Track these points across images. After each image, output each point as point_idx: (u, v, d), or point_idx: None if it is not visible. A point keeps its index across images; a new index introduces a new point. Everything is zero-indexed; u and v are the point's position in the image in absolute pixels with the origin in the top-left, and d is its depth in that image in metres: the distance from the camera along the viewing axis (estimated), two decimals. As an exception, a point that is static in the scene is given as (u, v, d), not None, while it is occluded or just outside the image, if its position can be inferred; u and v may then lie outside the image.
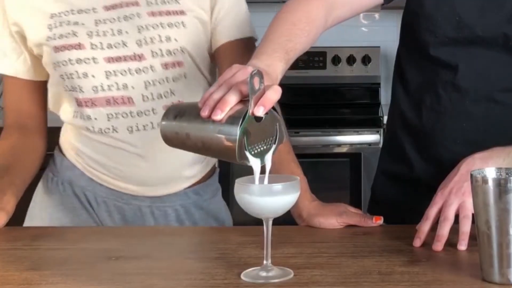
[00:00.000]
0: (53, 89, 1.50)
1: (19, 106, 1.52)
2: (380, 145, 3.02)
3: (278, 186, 1.02)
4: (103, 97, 1.39)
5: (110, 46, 1.38)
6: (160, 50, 1.39)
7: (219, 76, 1.31)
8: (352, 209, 1.34)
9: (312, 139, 3.07)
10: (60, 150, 1.56)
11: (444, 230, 1.16)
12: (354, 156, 3.06)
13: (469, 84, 1.35)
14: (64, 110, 1.49)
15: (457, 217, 1.18)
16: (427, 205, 1.24)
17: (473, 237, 1.07)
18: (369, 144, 3.04)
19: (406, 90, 1.45)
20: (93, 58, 1.38)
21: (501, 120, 1.36)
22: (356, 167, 3.05)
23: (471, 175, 1.02)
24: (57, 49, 1.39)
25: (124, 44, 1.38)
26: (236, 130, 0.97)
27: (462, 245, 1.14)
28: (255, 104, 0.98)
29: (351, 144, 3.06)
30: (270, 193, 1.01)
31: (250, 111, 0.98)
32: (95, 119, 1.41)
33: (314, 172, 3.09)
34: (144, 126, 1.41)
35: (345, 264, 1.09)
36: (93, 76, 1.38)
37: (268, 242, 1.04)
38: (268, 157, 1.03)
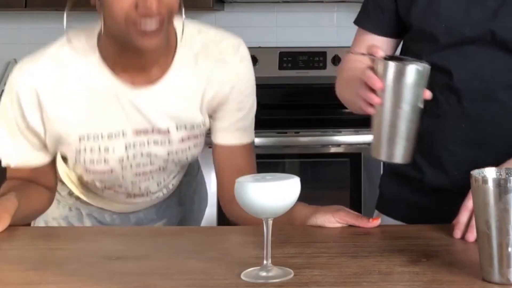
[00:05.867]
0: (68, 163, 1.50)
1: (25, 177, 1.44)
2: (380, 145, 3.02)
3: (278, 186, 1.02)
4: (126, 192, 1.52)
5: (138, 165, 1.44)
6: (183, 164, 1.54)
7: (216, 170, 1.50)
8: (350, 211, 1.34)
9: (312, 139, 3.06)
10: (59, 179, 1.59)
11: (463, 218, 1.20)
12: (354, 156, 3.06)
13: (465, 85, 1.36)
14: (81, 179, 1.54)
15: None
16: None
17: (473, 237, 1.07)
18: (369, 144, 3.04)
19: None
20: (122, 176, 1.46)
21: (499, 118, 1.36)
22: (356, 167, 3.04)
23: (471, 175, 1.02)
24: (88, 170, 1.43)
25: (152, 163, 1.46)
26: None
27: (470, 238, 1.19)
28: None
29: (351, 144, 3.06)
30: (270, 193, 1.01)
31: None
32: (115, 196, 1.53)
33: (314, 172, 3.09)
34: (157, 197, 1.57)
35: (345, 264, 1.09)
36: (120, 185, 1.49)
37: (268, 242, 1.04)
38: None
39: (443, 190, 1.40)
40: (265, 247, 1.04)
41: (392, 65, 1.13)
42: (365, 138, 3.02)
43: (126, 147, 1.40)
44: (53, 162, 1.48)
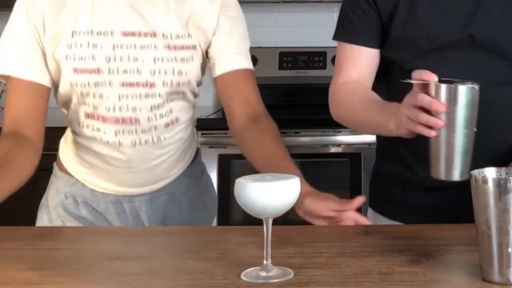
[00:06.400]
0: (61, 95, 1.53)
1: (20, 113, 1.50)
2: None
3: (278, 186, 1.02)
4: (113, 117, 1.50)
5: (125, 72, 1.47)
6: (171, 81, 1.50)
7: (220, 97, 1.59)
8: (337, 199, 1.38)
9: (312, 139, 3.07)
10: (60, 168, 1.63)
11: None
12: (354, 156, 3.06)
13: None
14: (71, 118, 1.55)
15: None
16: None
17: (473, 237, 1.07)
18: (369, 144, 3.04)
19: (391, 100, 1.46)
20: (109, 82, 1.47)
21: (489, 117, 1.38)
22: (356, 167, 3.04)
23: (471, 175, 1.02)
24: (76, 70, 1.46)
25: (139, 72, 1.48)
26: None
27: None
28: None
29: (351, 144, 3.06)
30: (270, 193, 1.01)
31: None
32: (104, 132, 1.50)
33: (314, 172, 3.09)
34: (146, 140, 1.52)
35: (345, 264, 1.09)
36: (107, 97, 1.48)
37: (268, 242, 1.04)
38: None
39: (441, 189, 1.40)
40: (265, 247, 1.04)
41: (448, 88, 1.17)
42: (365, 138, 3.03)
43: (113, 47, 1.46)
44: (42, 114, 1.51)
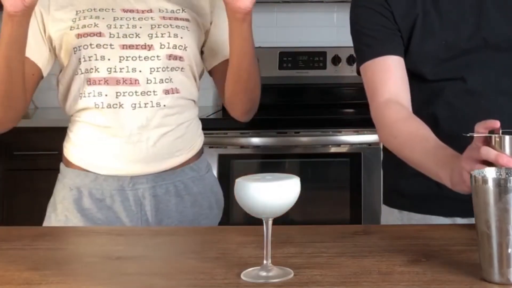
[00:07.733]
0: (64, 79, 1.63)
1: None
2: (380, 145, 3.03)
3: (278, 186, 1.02)
4: (115, 77, 1.59)
5: (125, 36, 1.61)
6: (168, 43, 1.62)
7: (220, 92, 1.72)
8: None
9: (312, 139, 3.07)
10: (66, 165, 1.65)
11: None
12: (354, 156, 3.06)
13: (480, 87, 1.44)
14: (71, 99, 1.62)
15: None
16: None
17: (473, 237, 1.07)
18: (369, 144, 3.04)
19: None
20: (110, 45, 1.60)
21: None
22: (356, 167, 3.04)
23: (471, 175, 1.02)
24: (79, 35, 1.60)
25: (137, 36, 1.62)
26: None
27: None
28: None
29: (351, 144, 3.06)
30: (270, 193, 1.01)
31: None
32: (106, 95, 1.59)
33: (314, 172, 3.10)
34: (145, 104, 1.60)
35: (345, 264, 1.09)
36: (109, 59, 1.59)
37: (268, 242, 1.04)
38: None
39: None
40: (265, 247, 1.04)
41: None
42: (365, 138, 3.03)
43: (114, 19, 1.62)
44: (35, 80, 1.64)
